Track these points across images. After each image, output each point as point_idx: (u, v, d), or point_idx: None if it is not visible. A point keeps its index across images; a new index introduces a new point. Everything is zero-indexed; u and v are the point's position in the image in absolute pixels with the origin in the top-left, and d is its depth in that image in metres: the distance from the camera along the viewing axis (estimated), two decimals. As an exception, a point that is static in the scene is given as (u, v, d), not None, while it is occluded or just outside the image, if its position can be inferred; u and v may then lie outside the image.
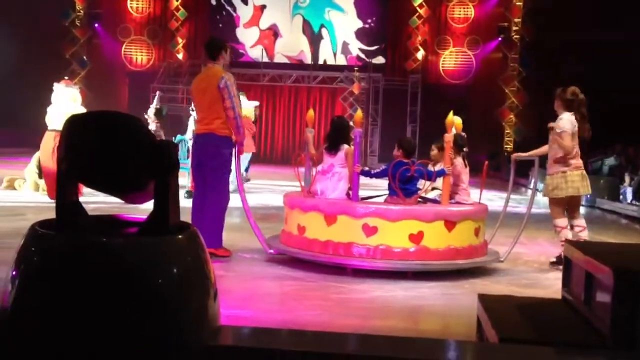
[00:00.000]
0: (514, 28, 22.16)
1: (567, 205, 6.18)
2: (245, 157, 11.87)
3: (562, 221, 6.13)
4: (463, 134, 6.22)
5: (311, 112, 6.52)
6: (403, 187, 5.63)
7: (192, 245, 2.35)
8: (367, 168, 6.23)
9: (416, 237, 5.44)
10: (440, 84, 22.29)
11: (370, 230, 5.46)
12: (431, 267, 5.45)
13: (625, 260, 2.98)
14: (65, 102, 9.26)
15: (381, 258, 5.43)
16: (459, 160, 6.02)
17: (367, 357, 2.41)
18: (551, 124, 6.13)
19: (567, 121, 6.04)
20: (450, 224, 5.54)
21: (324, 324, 4.05)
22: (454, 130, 5.90)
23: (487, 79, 22.04)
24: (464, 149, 6.15)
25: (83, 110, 9.40)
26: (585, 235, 6.12)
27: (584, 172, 6.16)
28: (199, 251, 2.35)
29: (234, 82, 5.74)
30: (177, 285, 2.20)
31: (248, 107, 12.02)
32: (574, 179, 6.05)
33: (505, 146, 22.04)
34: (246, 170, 12.11)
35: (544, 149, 6.29)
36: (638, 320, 2.62)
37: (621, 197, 12.65)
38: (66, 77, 9.71)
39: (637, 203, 11.84)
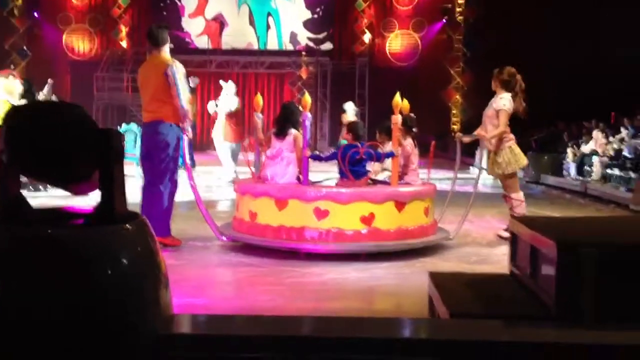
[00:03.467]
0: (458, 9, 22.43)
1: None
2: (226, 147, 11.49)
3: (521, 195, 6.41)
4: (412, 115, 6.29)
5: (259, 97, 6.50)
6: (353, 170, 5.67)
7: (141, 234, 2.33)
8: (317, 152, 6.29)
9: (367, 219, 5.50)
10: (387, 66, 22.43)
11: (321, 214, 5.48)
12: (383, 247, 5.51)
13: (568, 233, 3.07)
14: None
15: (333, 241, 5.47)
16: (408, 141, 6.10)
17: (322, 339, 2.43)
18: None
19: (507, 100, 6.22)
20: (400, 205, 5.61)
21: (278, 309, 4.07)
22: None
23: (432, 60, 22.26)
24: (413, 130, 6.23)
25: (18, 102, 9.08)
26: (523, 209, 6.34)
27: None
28: (148, 240, 2.33)
29: (180, 70, 5.69)
30: (126, 275, 2.18)
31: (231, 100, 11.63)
32: (518, 152, 6.33)
33: (452, 126, 22.37)
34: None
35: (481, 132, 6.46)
36: (581, 292, 2.71)
37: (565, 172, 13.00)
38: (12, 67, 9.28)
39: (580, 178, 12.19)
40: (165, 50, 5.83)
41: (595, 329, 2.50)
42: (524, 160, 6.40)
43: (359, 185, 5.66)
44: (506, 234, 6.28)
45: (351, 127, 6.07)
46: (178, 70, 5.65)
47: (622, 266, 2.73)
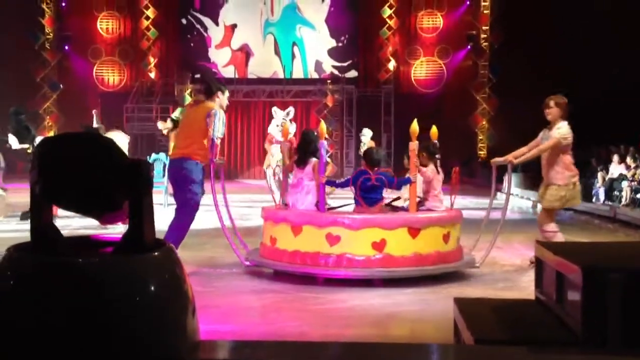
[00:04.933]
0: (483, 36, 22.49)
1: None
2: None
3: (555, 225, 6.28)
4: (435, 141, 6.30)
5: (286, 125, 6.61)
6: (366, 196, 5.72)
7: (169, 262, 2.37)
8: (334, 179, 6.36)
9: (379, 245, 5.50)
10: (412, 93, 22.53)
11: (333, 240, 5.53)
12: (396, 274, 5.48)
13: (594, 259, 3.06)
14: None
15: (345, 266, 5.50)
16: (430, 168, 6.08)
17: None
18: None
19: (565, 128, 6.06)
20: (414, 231, 5.57)
21: (304, 335, 4.08)
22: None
23: (458, 86, 22.33)
24: (436, 156, 6.20)
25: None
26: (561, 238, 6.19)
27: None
28: (175, 268, 2.37)
29: (222, 117, 6.00)
30: (154, 303, 2.22)
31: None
32: (579, 189, 6.25)
33: (479, 152, 22.30)
34: None
35: (522, 152, 6.26)
36: (608, 317, 2.69)
37: (594, 198, 12.85)
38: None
39: (609, 203, 12.04)
40: (214, 100, 6.15)
41: (622, 354, 2.48)
42: (579, 199, 6.39)
43: (372, 211, 5.68)
44: None
45: (365, 153, 6.17)
46: (219, 117, 5.95)
47: (649, 291, 2.71)
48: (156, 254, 2.31)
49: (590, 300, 2.71)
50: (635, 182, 11.70)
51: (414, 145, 5.85)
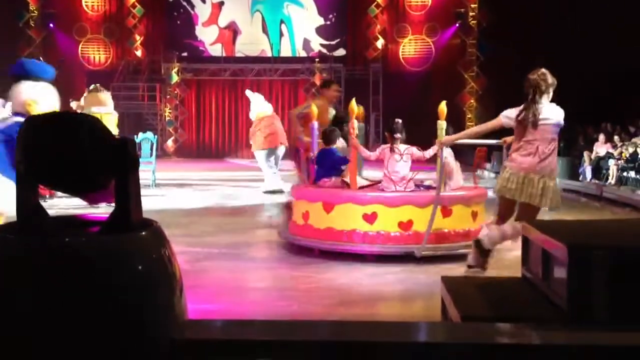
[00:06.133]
0: (471, 14, 22.40)
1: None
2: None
3: (485, 226, 5.15)
4: (398, 120, 6.17)
5: (314, 107, 6.79)
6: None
7: (156, 241, 2.37)
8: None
9: (305, 216, 6.10)
10: (400, 71, 22.44)
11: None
12: (313, 244, 5.89)
13: (579, 236, 3.09)
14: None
15: (291, 233, 6.24)
16: (381, 147, 6.03)
17: (337, 343, 2.46)
18: None
19: (512, 109, 5.01)
20: (327, 206, 5.92)
21: (293, 314, 4.10)
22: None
23: (446, 65, 22.24)
24: (396, 135, 6.02)
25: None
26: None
27: (529, 175, 4.77)
28: (163, 247, 2.37)
29: (307, 107, 7.10)
30: (141, 282, 2.22)
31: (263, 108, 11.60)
32: (504, 177, 4.89)
33: (467, 131, 22.29)
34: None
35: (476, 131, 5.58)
36: (593, 294, 2.72)
37: (581, 176, 12.94)
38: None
39: (596, 181, 12.12)
40: (324, 94, 7.75)
41: (607, 331, 2.51)
42: (498, 188, 4.91)
43: (318, 185, 6.25)
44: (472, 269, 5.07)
45: (323, 133, 6.52)
46: (307, 103, 7.46)
47: (634, 268, 2.74)
48: (143, 233, 2.31)
49: (576, 278, 2.73)
50: (622, 161, 11.78)
51: (353, 124, 6.08)
